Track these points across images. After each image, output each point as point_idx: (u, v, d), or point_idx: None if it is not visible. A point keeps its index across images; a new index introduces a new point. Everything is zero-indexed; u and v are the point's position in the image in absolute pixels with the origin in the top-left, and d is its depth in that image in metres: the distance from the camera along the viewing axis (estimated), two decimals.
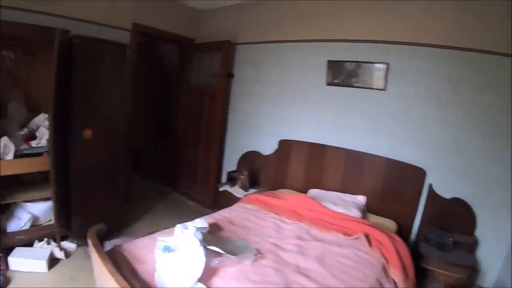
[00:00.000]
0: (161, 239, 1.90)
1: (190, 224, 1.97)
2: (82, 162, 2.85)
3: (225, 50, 3.96)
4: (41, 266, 2.52)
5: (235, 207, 2.82)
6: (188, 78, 4.53)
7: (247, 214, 2.59)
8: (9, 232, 2.65)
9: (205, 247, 1.72)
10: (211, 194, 4.17)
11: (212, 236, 2.07)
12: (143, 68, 4.47)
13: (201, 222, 2.07)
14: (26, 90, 2.87)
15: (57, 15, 3.00)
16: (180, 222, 1.99)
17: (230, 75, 4.11)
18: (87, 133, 2.81)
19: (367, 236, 2.31)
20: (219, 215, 2.53)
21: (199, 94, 4.34)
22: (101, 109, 2.95)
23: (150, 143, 5.49)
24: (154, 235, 2.04)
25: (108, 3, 3.45)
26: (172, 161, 4.82)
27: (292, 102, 3.57)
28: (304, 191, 3.25)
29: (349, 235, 2.35)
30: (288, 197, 2.87)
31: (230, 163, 4.24)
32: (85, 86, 2.77)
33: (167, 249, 1.77)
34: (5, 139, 2.46)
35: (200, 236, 1.81)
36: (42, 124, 2.79)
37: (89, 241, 1.70)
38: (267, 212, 2.63)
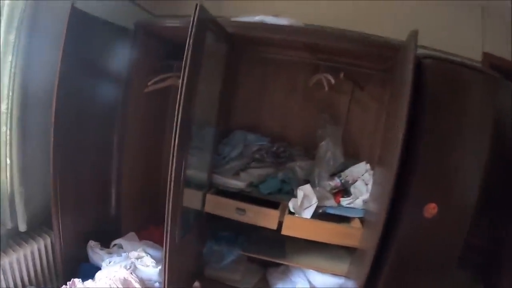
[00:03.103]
0: None
1: None
2: (410, 246, 1.72)
3: None
4: None
5: None
6: None
7: None
8: None
9: None
10: None
11: None
12: None
13: None
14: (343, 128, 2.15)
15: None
16: None
17: None
18: (431, 209, 1.63)
19: None
20: None
21: None
22: (456, 175, 1.70)
23: None
24: None
25: (454, 27, 2.27)
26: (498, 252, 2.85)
27: None
28: None
29: None
30: None
31: None
32: (437, 135, 1.62)
33: None
34: (307, 188, 1.72)
35: None
36: (360, 177, 1.91)
37: None
38: None
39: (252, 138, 2.06)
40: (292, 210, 1.69)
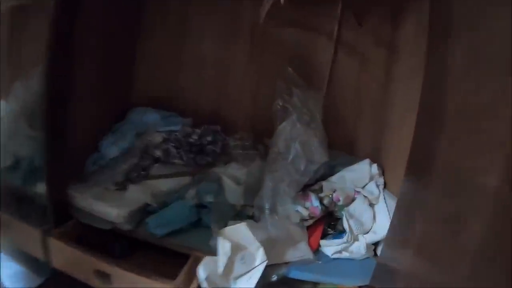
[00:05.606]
0: None
1: None
2: None
3: None
4: None
5: None
6: None
7: None
8: None
9: None
10: None
11: None
12: None
13: None
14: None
15: None
16: None
17: None
18: None
19: None
20: None
21: None
22: None
23: None
24: None
25: None
26: None
27: None
28: None
29: None
30: None
31: None
32: None
33: None
34: (241, 231, 0.76)
35: None
36: (361, 192, 0.98)
37: None
38: None
39: (152, 119, 1.08)
40: (203, 284, 0.71)
